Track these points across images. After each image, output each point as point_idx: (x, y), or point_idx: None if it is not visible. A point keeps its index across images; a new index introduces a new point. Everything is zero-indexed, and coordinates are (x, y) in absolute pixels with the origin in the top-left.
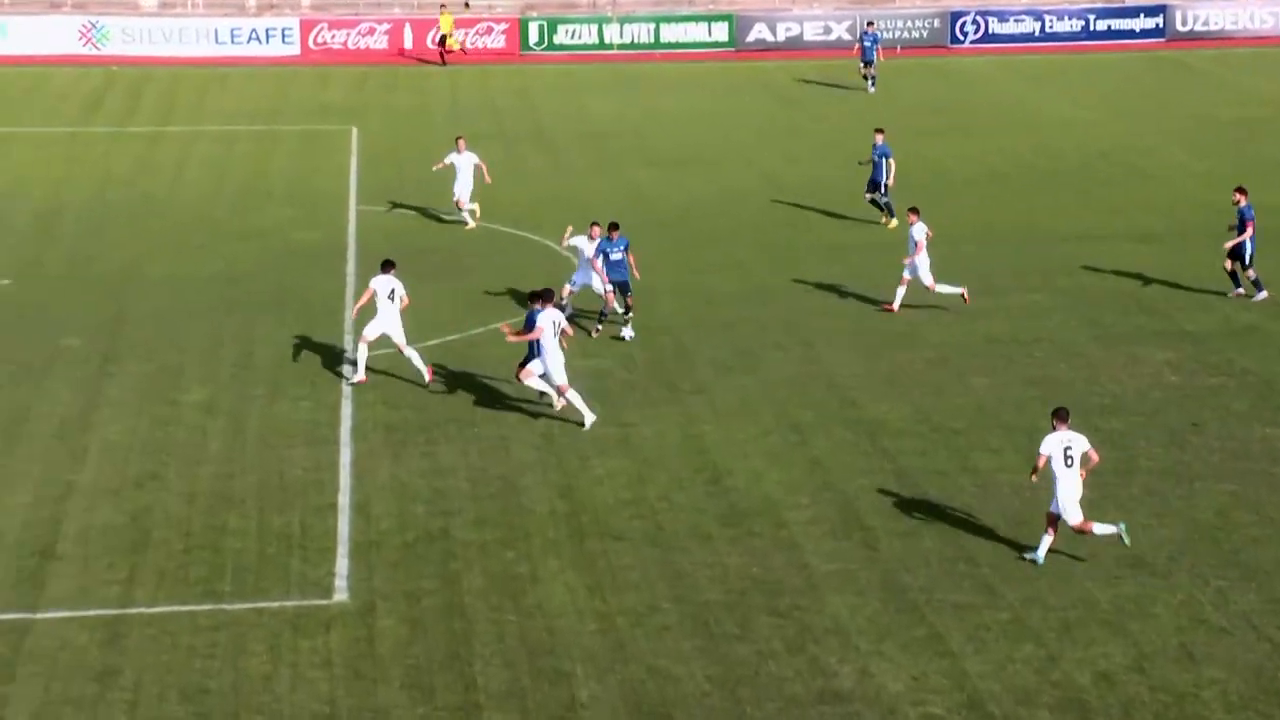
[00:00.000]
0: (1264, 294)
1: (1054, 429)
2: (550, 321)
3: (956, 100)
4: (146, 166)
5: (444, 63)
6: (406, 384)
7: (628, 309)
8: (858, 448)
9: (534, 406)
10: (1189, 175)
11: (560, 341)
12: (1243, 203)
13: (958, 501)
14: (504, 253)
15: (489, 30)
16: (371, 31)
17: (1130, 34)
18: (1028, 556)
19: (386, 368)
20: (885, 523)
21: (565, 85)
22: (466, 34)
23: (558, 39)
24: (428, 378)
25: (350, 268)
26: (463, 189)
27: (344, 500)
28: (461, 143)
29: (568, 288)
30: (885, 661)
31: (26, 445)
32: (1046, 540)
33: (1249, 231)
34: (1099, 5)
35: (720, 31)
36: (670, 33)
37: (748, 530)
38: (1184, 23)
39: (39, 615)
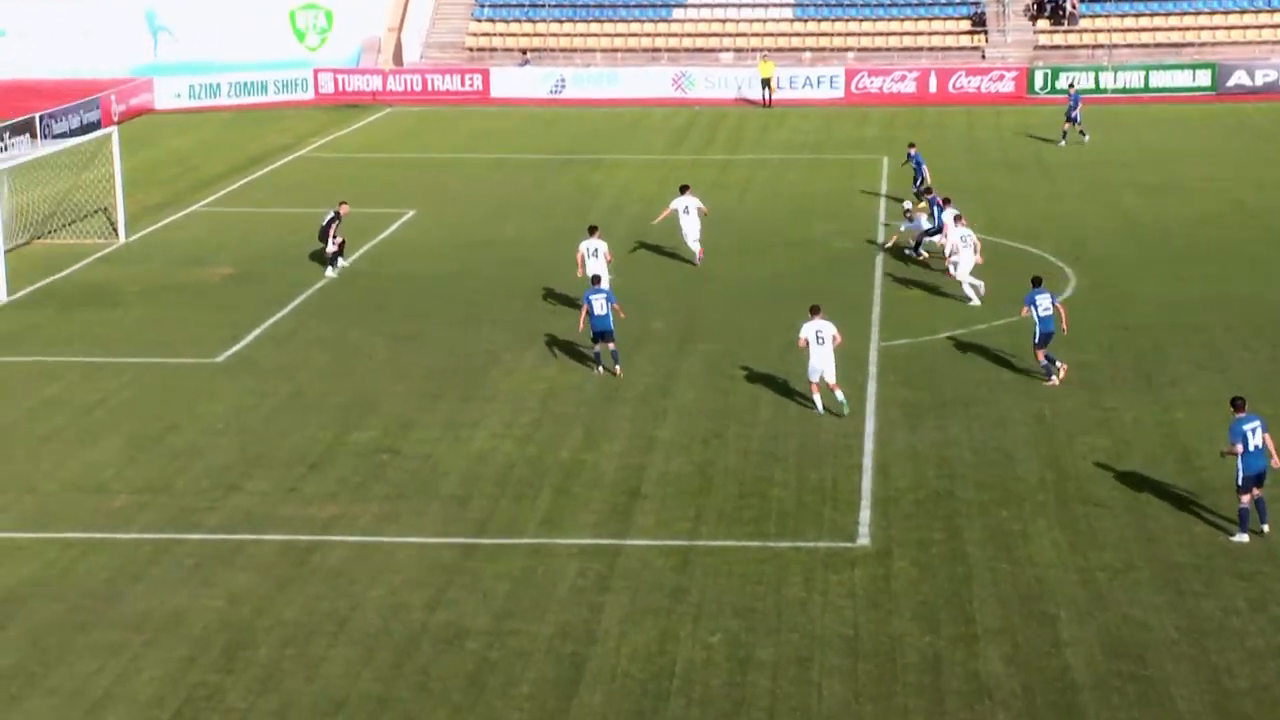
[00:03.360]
0: None
1: (809, 319)
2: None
3: None
4: (718, 187)
5: (767, 105)
6: (923, 368)
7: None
8: None
9: (1029, 392)
10: None
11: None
12: None
13: None
14: (1006, 261)
15: (1000, 77)
16: (903, 78)
17: None
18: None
19: (907, 354)
20: None
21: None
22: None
23: (1060, 84)
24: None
25: (877, 274)
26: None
27: (867, 462)
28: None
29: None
30: None
31: (620, 406)
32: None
33: None
34: None
35: (1203, 78)
36: (1158, 79)
37: (1213, 504)
38: None
39: (627, 542)
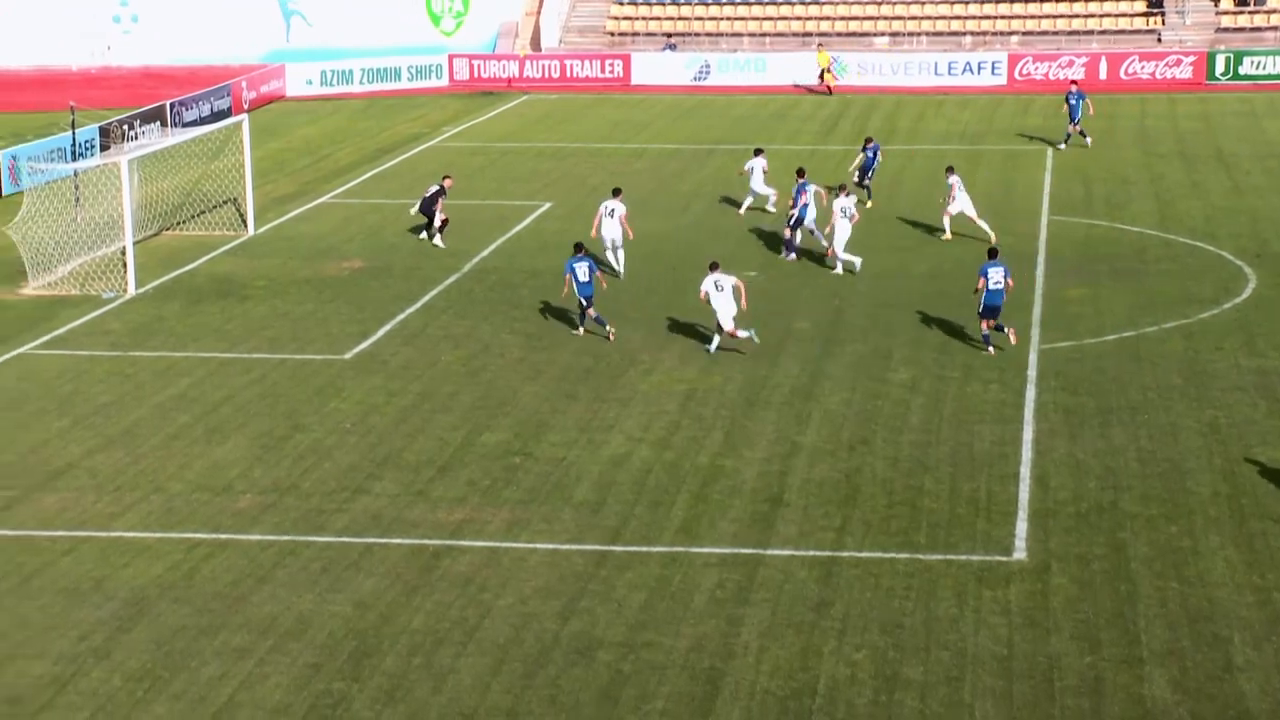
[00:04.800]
0: None
1: (708, 274)
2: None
3: None
4: None
5: (829, 92)
6: (1087, 372)
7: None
8: None
9: (1203, 398)
10: None
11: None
12: None
13: None
14: (1179, 259)
15: (1177, 62)
16: (1070, 64)
17: None
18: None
19: (1069, 357)
20: None
21: (1246, 111)
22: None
23: (1243, 70)
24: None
25: (1039, 270)
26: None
27: (1025, 471)
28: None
29: None
30: None
31: (762, 409)
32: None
33: None
34: None
35: None
36: None
37: None
38: None
39: (768, 551)
